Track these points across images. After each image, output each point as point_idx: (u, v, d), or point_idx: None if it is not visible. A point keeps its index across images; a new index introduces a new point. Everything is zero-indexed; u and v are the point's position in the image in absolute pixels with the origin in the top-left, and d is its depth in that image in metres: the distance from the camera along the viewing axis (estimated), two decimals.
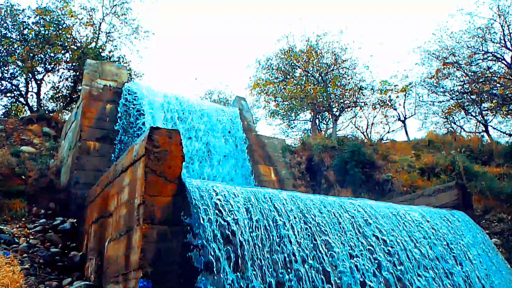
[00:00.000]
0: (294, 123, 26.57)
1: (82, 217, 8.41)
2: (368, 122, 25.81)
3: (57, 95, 18.52)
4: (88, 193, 8.56)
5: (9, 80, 17.79)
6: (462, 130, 22.99)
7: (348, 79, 23.00)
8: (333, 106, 22.57)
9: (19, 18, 17.13)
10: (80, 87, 16.73)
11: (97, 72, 11.41)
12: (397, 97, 23.14)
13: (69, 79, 18.44)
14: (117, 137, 10.54)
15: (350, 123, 25.90)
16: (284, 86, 23.43)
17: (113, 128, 10.61)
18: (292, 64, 23.40)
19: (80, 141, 10.07)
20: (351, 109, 23.63)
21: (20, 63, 16.91)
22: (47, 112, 16.93)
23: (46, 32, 17.09)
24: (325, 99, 21.62)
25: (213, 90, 29.76)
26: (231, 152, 12.62)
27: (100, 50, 18.35)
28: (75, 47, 17.75)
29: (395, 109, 23.87)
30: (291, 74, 23.83)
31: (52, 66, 17.98)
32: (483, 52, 20.48)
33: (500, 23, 19.98)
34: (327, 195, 6.96)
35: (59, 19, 17.65)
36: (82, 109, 10.59)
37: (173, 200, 5.04)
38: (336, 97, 22.61)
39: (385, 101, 23.03)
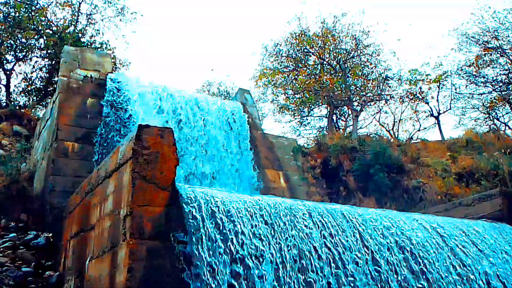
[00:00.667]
0: (307, 119, 26.58)
1: (59, 230, 8.44)
2: (394, 119, 25.73)
3: (29, 88, 18.54)
4: (66, 203, 8.60)
5: None
6: (507, 127, 22.83)
7: (371, 68, 22.96)
8: (354, 99, 22.52)
9: None
10: (56, 79, 16.80)
11: (76, 61, 11.48)
12: (429, 88, 23.02)
13: (44, 69, 18.54)
14: (100, 136, 10.59)
15: (373, 119, 25.87)
16: (296, 76, 23.42)
17: (95, 126, 10.67)
18: (305, 50, 23.40)
19: (56, 141, 10.13)
20: (375, 103, 23.59)
21: None
22: (17, 107, 17.03)
23: (17, 14, 17.23)
24: (344, 91, 21.58)
25: (212, 81, 29.83)
26: (233, 154, 12.63)
27: (80, 35, 18.47)
28: (51, 32, 17.87)
29: (427, 103, 23.75)
30: (303, 62, 23.83)
31: (23, 54, 18.11)
32: None
33: None
34: (347, 206, 6.94)
35: None
36: (59, 104, 10.66)
37: (166, 211, 5.04)
38: (357, 89, 22.56)
39: (415, 93, 22.94)
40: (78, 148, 10.30)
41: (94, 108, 10.96)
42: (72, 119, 10.59)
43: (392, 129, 25.48)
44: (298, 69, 23.61)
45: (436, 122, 23.88)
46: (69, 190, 9.37)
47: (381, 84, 22.34)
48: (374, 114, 25.37)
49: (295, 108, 24.98)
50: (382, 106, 24.66)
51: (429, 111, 23.96)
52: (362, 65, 22.87)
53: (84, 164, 10.12)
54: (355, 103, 22.74)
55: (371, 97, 22.36)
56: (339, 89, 21.65)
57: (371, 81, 22.47)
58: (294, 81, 23.65)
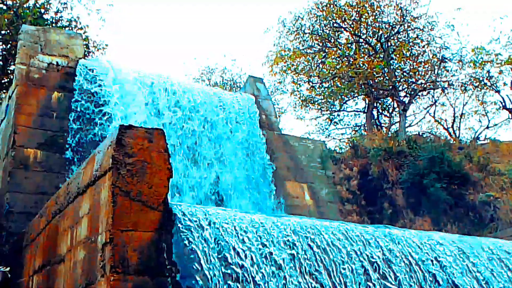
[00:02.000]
0: (338, 115, 26.51)
1: (19, 264, 8.52)
2: (455, 113, 25.48)
3: None
4: (27, 228, 8.67)
5: None
6: None
7: (423, 47, 22.80)
8: (400, 88, 22.37)
9: None
10: (12, 67, 17.01)
11: (38, 44, 11.62)
12: (501, 72, 22.76)
13: None
14: (70, 141, 10.68)
15: (426, 114, 25.66)
16: (323, 59, 23.39)
17: (63, 129, 10.77)
18: (335, 24, 23.36)
19: (14, 148, 10.24)
20: (428, 92, 23.39)
21: None
22: None
23: None
24: (387, 77, 21.46)
25: (213, 67, 29.93)
26: (241, 161, 12.65)
27: (42, 11, 18.67)
28: (4, 7, 18.10)
29: (498, 91, 23.46)
30: (333, 41, 23.79)
31: None
32: None
33: None
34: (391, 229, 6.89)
35: None
36: (16, 100, 10.78)
37: (156, 237, 5.05)
38: (405, 74, 22.43)
39: (481, 79, 22.70)
40: (41, 157, 10.40)
41: (62, 105, 11.06)
42: (33, 119, 10.70)
43: (452, 126, 25.25)
44: (326, 50, 23.57)
45: (511, 116, 23.60)
46: (30, 211, 9.45)
47: (436, 67, 22.15)
48: (428, 107, 25.17)
49: (323, 101, 24.94)
50: (438, 96, 24.45)
51: (501, 103, 23.64)
52: (411, 43, 22.73)
53: (50, 177, 10.21)
54: (402, 93, 22.60)
55: (423, 84, 22.18)
56: (380, 75, 21.54)
57: (422, 63, 22.32)
58: (320, 66, 23.61)
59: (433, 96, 24.35)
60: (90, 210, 5.62)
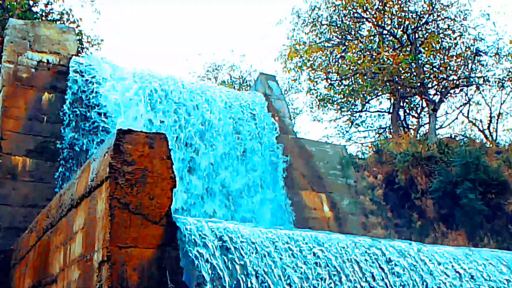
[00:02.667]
0: (360, 116, 26.42)
1: (6, 284, 8.56)
2: (491, 113, 25.33)
3: None
4: (16, 244, 8.72)
5: None
6: None
7: (455, 38, 22.68)
8: (429, 85, 22.27)
9: None
10: None
11: (27, 40, 11.69)
12: None
13: None
14: (62, 148, 10.73)
15: (459, 114, 25.51)
16: (343, 54, 23.34)
17: (55, 133, 10.82)
18: (356, 15, 23.31)
19: (0, 156, 10.29)
20: (461, 90, 23.26)
21: None
22: None
23: None
24: (415, 73, 21.38)
25: (220, 63, 29.96)
26: (251, 169, 12.65)
27: (31, 3, 18.82)
28: None
29: None
30: (354, 33, 23.73)
31: None
32: None
33: None
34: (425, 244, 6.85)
35: None
36: (3, 102, 10.85)
37: (159, 254, 5.05)
38: (434, 69, 22.32)
39: None
40: (31, 166, 10.45)
41: (53, 107, 11.11)
42: (22, 123, 10.76)
43: (488, 128, 25.08)
44: (346, 43, 23.51)
45: None
46: (19, 226, 9.50)
47: (469, 61, 22.04)
48: (461, 106, 25.02)
49: (343, 101, 24.87)
50: (472, 94, 24.32)
51: None
52: (441, 35, 22.61)
53: (40, 188, 10.26)
54: (432, 91, 22.49)
55: (455, 81, 22.08)
56: (407, 70, 21.46)
57: (454, 57, 22.21)
58: (340, 61, 23.55)
59: (466, 94, 24.24)
60: (85, 225, 5.63)
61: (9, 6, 17.76)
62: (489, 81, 22.77)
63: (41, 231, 7.19)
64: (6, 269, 8.81)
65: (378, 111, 26.16)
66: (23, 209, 9.98)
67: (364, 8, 22.87)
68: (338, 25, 23.69)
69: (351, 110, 25.79)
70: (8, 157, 10.38)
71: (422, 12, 22.64)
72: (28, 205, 10.01)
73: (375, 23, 23.05)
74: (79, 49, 15.66)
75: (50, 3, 19.53)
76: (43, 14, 18.87)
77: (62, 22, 18.70)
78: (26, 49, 11.55)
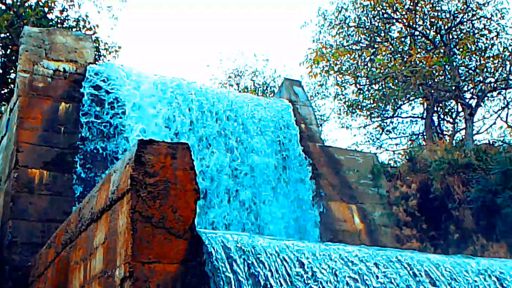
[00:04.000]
0: (392, 123, 26.26)
1: None
2: None
3: None
4: (33, 261, 8.80)
5: None
6: None
7: (491, 38, 22.48)
8: (465, 88, 22.07)
9: None
10: (13, 76, 17.33)
11: (43, 48, 11.84)
12: None
13: None
14: (80, 159, 10.81)
15: (497, 118, 25.22)
16: (372, 57, 23.28)
17: (73, 145, 10.91)
18: (385, 15, 23.25)
19: (16, 169, 10.40)
20: (499, 93, 23.00)
21: None
22: None
23: None
24: (449, 76, 21.22)
25: (243, 69, 30.06)
26: (276, 179, 12.64)
27: (46, 10, 19.07)
28: (3, 7, 18.51)
29: None
30: (383, 34, 23.67)
31: None
32: None
33: None
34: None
35: None
36: (19, 113, 10.97)
37: (183, 270, 5.07)
38: (470, 71, 22.13)
39: None
40: (48, 178, 10.53)
41: (70, 117, 11.20)
42: (38, 135, 10.86)
43: None
44: (376, 46, 23.47)
45: None
46: (36, 241, 9.57)
47: (507, 63, 21.80)
48: (499, 110, 24.71)
49: (373, 106, 24.77)
50: (511, 97, 24.03)
51: None
52: (477, 35, 22.43)
53: (58, 202, 10.33)
54: (468, 95, 22.30)
55: (492, 84, 21.86)
56: (441, 73, 21.32)
57: (491, 59, 22.00)
58: (369, 64, 23.50)
59: (505, 97, 23.93)
60: (106, 240, 5.68)
61: (23, 14, 17.98)
62: None
63: (60, 247, 7.26)
64: (24, 286, 8.89)
65: (410, 116, 26.01)
66: (40, 224, 10.03)
67: (394, 8, 22.81)
68: (367, 27, 23.65)
69: (381, 116, 25.67)
70: (25, 169, 10.45)
71: (456, 12, 22.51)
72: (46, 219, 10.06)
73: (406, 23, 22.96)
74: (96, 56, 15.82)
75: (65, 10, 19.77)
76: (59, 21, 19.13)
77: (78, 29, 18.93)
78: (42, 58, 11.67)
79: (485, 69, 21.77)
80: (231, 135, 12.35)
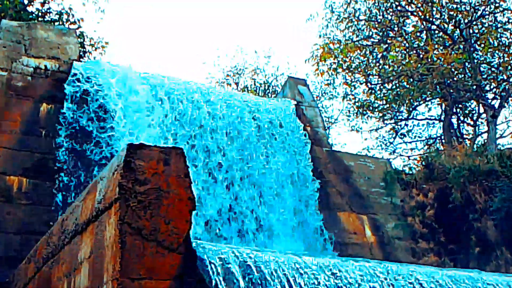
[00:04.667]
0: (406, 125, 26.26)
1: None
2: None
3: None
4: (11, 277, 8.78)
5: None
6: None
7: None
8: (487, 88, 22.07)
9: None
10: None
11: (22, 44, 11.85)
12: None
13: None
14: (64, 165, 10.81)
15: None
16: (385, 53, 23.27)
17: (54, 149, 10.91)
18: (399, 8, 23.26)
19: None
20: None
21: None
22: None
23: None
24: (470, 74, 21.21)
25: (242, 67, 30.05)
26: (279, 187, 12.65)
27: (25, 2, 19.09)
28: None
29: None
30: (397, 29, 23.67)
31: None
32: None
33: None
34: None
35: None
36: None
37: (177, 286, 5.06)
38: (492, 69, 22.13)
39: None
40: (28, 186, 10.53)
41: (52, 120, 11.21)
42: (17, 138, 10.87)
43: None
44: (388, 41, 23.44)
45: None
46: (15, 255, 9.56)
47: None
48: None
49: (386, 107, 24.74)
50: None
51: None
52: (500, 29, 22.43)
53: (38, 212, 10.34)
54: (490, 95, 22.28)
55: None
56: (460, 71, 21.31)
57: None
58: (381, 61, 23.49)
59: None
60: (91, 254, 5.67)
61: (1, 6, 17.98)
62: None
63: (41, 261, 7.24)
64: None
65: (427, 118, 26.00)
66: (19, 237, 10.05)
67: (409, 0, 22.81)
68: (379, 20, 23.65)
69: (395, 118, 25.66)
70: (2, 177, 10.47)
71: (477, 4, 22.48)
72: (25, 231, 10.08)
73: (422, 17, 22.95)
74: (81, 53, 15.84)
75: (47, 2, 19.78)
76: (40, 14, 19.14)
77: (61, 23, 18.95)
78: (21, 55, 11.68)
79: (509, 67, 21.76)
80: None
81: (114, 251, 5.11)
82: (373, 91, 24.40)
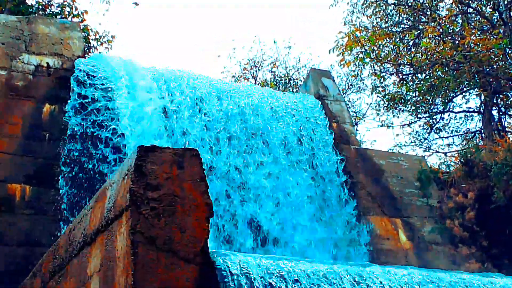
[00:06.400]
0: (442, 119, 26.12)
1: None
2: None
3: None
4: None
5: None
6: None
7: None
8: None
9: None
10: None
11: (22, 40, 11.92)
12: None
13: None
14: (70, 171, 10.85)
15: None
16: (417, 40, 23.17)
17: (60, 154, 10.96)
18: None
19: None
20: None
21: None
22: None
23: None
24: (511, 61, 21.03)
25: (260, 59, 30.03)
26: (305, 190, 12.64)
27: None
28: None
29: None
30: (429, 13, 23.54)
31: None
32: None
33: None
34: None
35: None
36: None
37: None
38: None
39: None
40: (31, 195, 10.57)
41: (56, 122, 11.28)
42: (18, 143, 10.93)
43: None
44: (421, 26, 23.34)
45: None
46: (18, 269, 9.61)
47: None
48: None
49: (419, 99, 24.63)
50: None
51: None
52: None
53: (43, 222, 10.37)
54: None
55: None
56: (501, 58, 21.16)
57: None
58: (414, 49, 23.38)
59: None
60: (102, 266, 5.68)
61: None
62: None
63: (47, 276, 7.28)
64: None
65: (464, 111, 25.84)
66: (22, 249, 10.08)
67: None
68: (409, 4, 23.56)
69: (429, 111, 25.52)
70: (3, 185, 10.51)
71: None
72: (29, 243, 10.11)
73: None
74: (86, 48, 15.91)
75: None
76: (40, 7, 19.25)
77: (63, 16, 19.05)
78: (22, 52, 11.74)
79: None
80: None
81: (125, 263, 5.13)
82: (404, 82, 24.26)
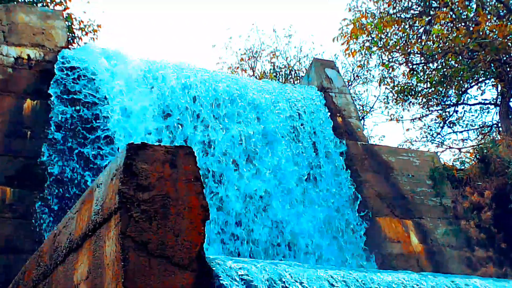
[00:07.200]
0: (456, 112, 26.13)
1: None
2: None
3: None
4: None
5: None
6: None
7: None
8: None
9: None
10: None
11: (0, 30, 11.91)
12: None
13: None
14: (53, 170, 10.86)
15: None
16: (428, 27, 23.17)
17: (40, 152, 10.96)
18: None
19: None
20: None
21: None
22: None
23: None
24: None
25: (258, 49, 30.04)
26: (307, 190, 12.67)
27: None
28: None
29: None
30: None
31: None
32: None
33: None
34: None
35: None
36: None
37: None
38: None
39: None
40: (12, 197, 10.57)
41: (38, 118, 11.28)
42: None
43: None
44: (432, 12, 23.35)
45: None
46: None
47: None
48: None
49: (431, 91, 24.64)
50: None
51: None
52: None
53: (25, 227, 10.36)
54: None
55: None
56: None
57: None
58: (424, 37, 23.38)
59: None
60: (89, 274, 5.68)
61: None
62: None
63: (30, 285, 7.28)
64: None
65: (480, 103, 25.84)
66: (3, 256, 10.06)
67: None
68: None
69: (442, 103, 25.55)
70: None
71: None
72: (11, 250, 10.10)
73: None
74: (70, 39, 15.90)
75: None
76: None
77: (44, 4, 19.03)
78: (0, 43, 11.72)
79: None
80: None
81: (115, 270, 5.12)
82: (415, 73, 24.28)
